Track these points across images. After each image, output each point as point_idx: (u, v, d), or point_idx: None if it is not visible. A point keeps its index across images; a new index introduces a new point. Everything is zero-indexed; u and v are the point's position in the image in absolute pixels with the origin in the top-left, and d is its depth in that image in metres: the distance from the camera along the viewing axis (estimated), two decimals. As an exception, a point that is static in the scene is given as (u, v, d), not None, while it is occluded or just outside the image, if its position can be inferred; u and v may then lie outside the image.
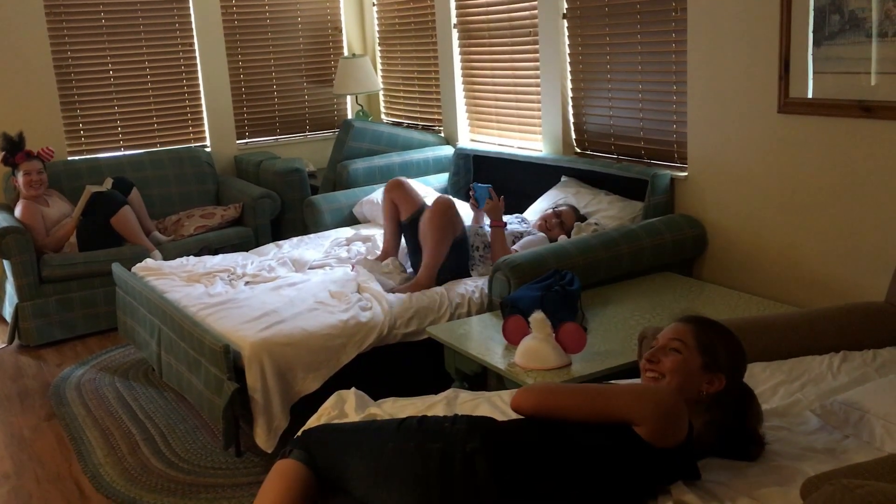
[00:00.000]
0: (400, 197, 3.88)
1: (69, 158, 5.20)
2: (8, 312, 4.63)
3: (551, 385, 1.97)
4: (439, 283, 3.62)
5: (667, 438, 1.80)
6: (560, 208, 3.95)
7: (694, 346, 1.99)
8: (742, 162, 3.49)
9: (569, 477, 1.81)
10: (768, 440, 2.04)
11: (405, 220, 3.85)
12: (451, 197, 3.79)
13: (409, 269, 3.83)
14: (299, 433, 2.12)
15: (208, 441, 3.32)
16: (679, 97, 3.78)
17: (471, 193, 3.97)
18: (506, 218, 3.87)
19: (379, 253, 4.02)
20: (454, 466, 1.82)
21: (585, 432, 1.85)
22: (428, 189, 4.84)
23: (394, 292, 3.48)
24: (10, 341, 4.54)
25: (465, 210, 4.40)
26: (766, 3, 3.23)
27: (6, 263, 4.47)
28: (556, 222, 3.86)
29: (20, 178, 4.58)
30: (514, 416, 2.25)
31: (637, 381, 2.07)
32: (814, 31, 3.09)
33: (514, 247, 3.71)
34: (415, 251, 3.77)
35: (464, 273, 3.70)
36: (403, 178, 4.03)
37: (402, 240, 3.94)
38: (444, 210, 3.58)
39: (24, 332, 4.45)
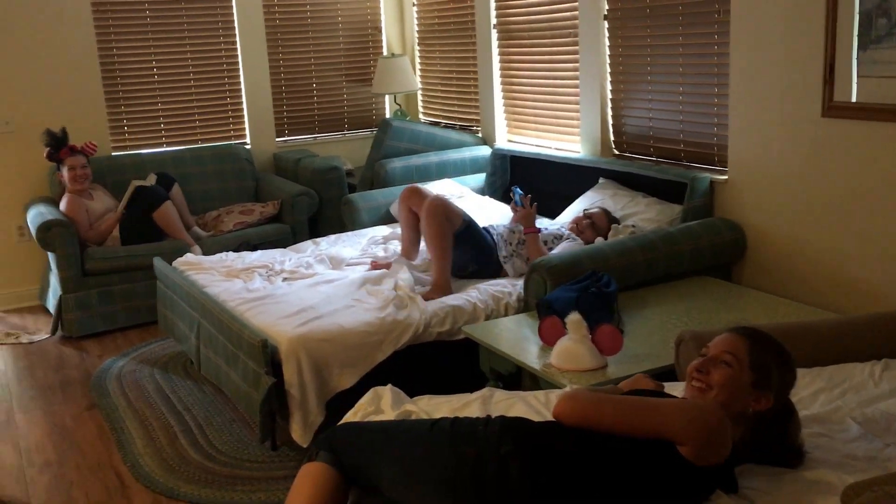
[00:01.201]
0: (417, 203, 3.89)
1: (113, 154, 5.29)
2: (51, 304, 4.73)
3: (596, 396, 1.90)
4: (467, 276, 3.64)
5: (709, 458, 1.77)
6: (591, 210, 3.94)
7: (746, 362, 1.91)
8: (784, 166, 3.45)
9: (602, 485, 1.79)
10: (808, 448, 2.02)
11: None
12: (439, 195, 3.79)
13: None
14: (323, 434, 2.11)
15: (245, 434, 3.36)
16: (720, 100, 3.75)
17: (511, 195, 3.99)
18: (538, 223, 3.88)
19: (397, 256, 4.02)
20: (487, 469, 1.81)
21: (623, 443, 1.81)
22: (465, 189, 4.86)
23: (424, 299, 3.49)
24: (54, 332, 4.64)
25: (494, 211, 4.40)
26: (811, 6, 3.19)
27: (51, 256, 4.56)
28: (588, 224, 3.86)
29: (65, 172, 4.67)
30: (548, 415, 2.25)
31: (679, 396, 2.01)
32: (859, 35, 3.05)
33: (552, 252, 3.71)
34: None
35: (487, 260, 3.70)
36: (418, 185, 4.04)
37: (419, 244, 3.97)
38: (435, 212, 3.63)
39: (67, 324, 4.54)
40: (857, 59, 3.07)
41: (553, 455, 1.83)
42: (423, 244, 3.99)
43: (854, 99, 3.11)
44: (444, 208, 3.66)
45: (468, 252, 3.70)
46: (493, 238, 3.81)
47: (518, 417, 2.02)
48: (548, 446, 1.85)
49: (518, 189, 3.95)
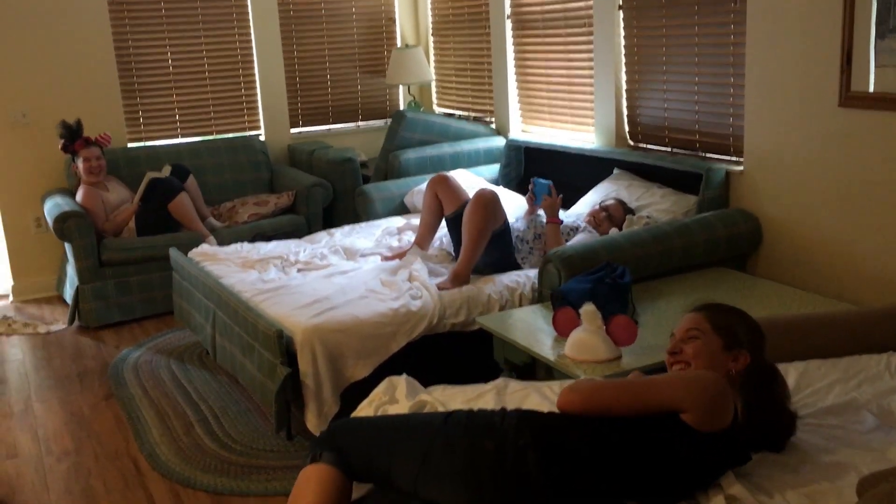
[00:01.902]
0: (445, 192, 3.87)
1: (129, 145, 5.32)
2: (69, 294, 4.77)
3: (595, 382, 1.96)
4: (481, 275, 3.64)
5: (714, 422, 1.82)
6: (607, 202, 3.93)
7: (710, 330, 2.05)
8: (800, 156, 3.43)
9: (619, 470, 1.82)
10: (822, 438, 2.01)
11: (450, 214, 3.85)
12: (493, 189, 3.78)
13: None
14: (322, 434, 2.08)
15: (260, 424, 3.39)
16: (736, 90, 3.73)
17: (530, 187, 3.96)
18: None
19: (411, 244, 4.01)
20: (506, 461, 1.83)
21: (632, 425, 1.85)
22: (479, 179, 4.85)
23: (439, 289, 3.48)
24: (71, 322, 4.68)
25: (509, 202, 4.40)
26: (829, -5, 3.16)
27: (67, 246, 4.60)
28: (604, 216, 3.85)
29: (80, 164, 4.70)
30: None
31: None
32: (877, 24, 3.02)
33: (568, 243, 3.70)
34: (458, 244, 3.78)
35: (506, 265, 3.69)
36: (449, 174, 4.03)
37: (436, 232, 3.96)
38: (487, 203, 3.58)
39: (84, 314, 4.58)
40: (875, 48, 3.04)
41: (568, 446, 1.85)
42: (439, 233, 3.99)
43: (871, 89, 3.09)
44: (494, 202, 3.61)
45: (495, 254, 3.66)
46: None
47: (532, 410, 2.04)
48: (562, 437, 1.87)
49: (539, 180, 3.92)
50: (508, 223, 3.73)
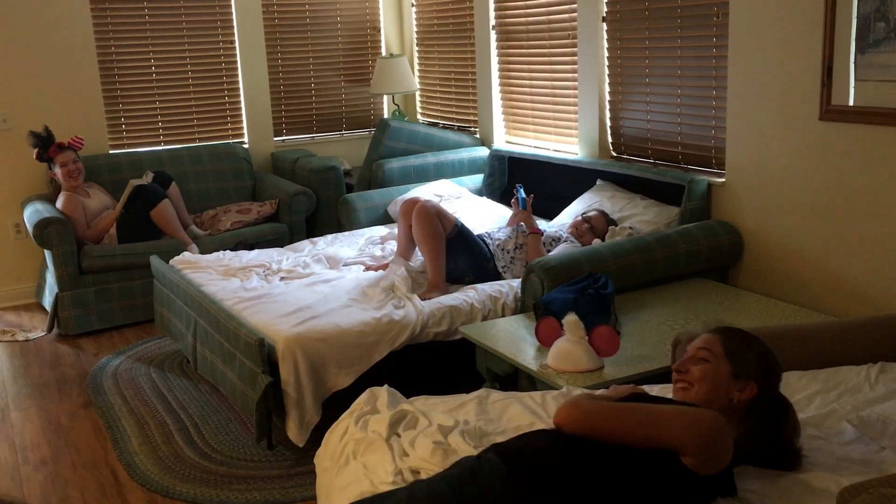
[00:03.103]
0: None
1: (111, 152, 5.29)
2: (48, 301, 4.72)
3: (599, 405, 1.86)
4: (466, 283, 3.66)
5: (712, 468, 1.77)
6: (589, 213, 3.95)
7: (721, 354, 1.97)
8: (781, 169, 3.46)
9: (605, 499, 1.75)
10: (804, 452, 2.02)
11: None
12: (427, 200, 3.80)
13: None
14: None
15: (241, 433, 3.36)
16: (718, 103, 3.76)
17: (514, 192, 4.01)
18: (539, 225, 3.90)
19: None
20: (488, 495, 1.74)
21: (624, 456, 1.78)
22: (463, 189, 4.86)
23: (421, 299, 3.49)
24: (50, 330, 4.63)
25: (491, 212, 4.40)
26: (810, 10, 3.20)
27: (47, 253, 4.56)
28: (587, 228, 3.87)
29: (58, 170, 4.66)
30: (544, 415, 2.25)
31: (677, 405, 1.95)
32: (857, 39, 3.05)
33: (550, 254, 3.72)
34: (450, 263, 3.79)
35: (483, 270, 3.71)
36: (417, 197, 4.03)
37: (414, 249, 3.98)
38: (421, 216, 3.65)
39: (63, 322, 4.53)
40: (855, 62, 3.08)
41: (552, 472, 1.77)
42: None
43: (851, 102, 3.12)
44: (434, 210, 3.69)
45: (462, 258, 3.70)
46: (488, 247, 3.81)
47: (515, 441, 1.91)
48: (547, 464, 1.79)
49: (522, 191, 3.97)
50: (460, 226, 3.77)
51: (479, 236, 3.87)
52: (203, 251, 4.56)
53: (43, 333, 4.64)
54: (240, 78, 5.64)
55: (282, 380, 3.05)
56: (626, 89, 4.29)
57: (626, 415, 1.84)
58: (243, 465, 3.13)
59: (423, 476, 1.99)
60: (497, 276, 3.74)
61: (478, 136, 5.47)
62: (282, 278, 3.82)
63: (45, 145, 4.66)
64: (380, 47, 6.12)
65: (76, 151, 4.74)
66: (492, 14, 5.17)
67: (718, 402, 1.93)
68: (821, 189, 3.31)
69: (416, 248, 3.98)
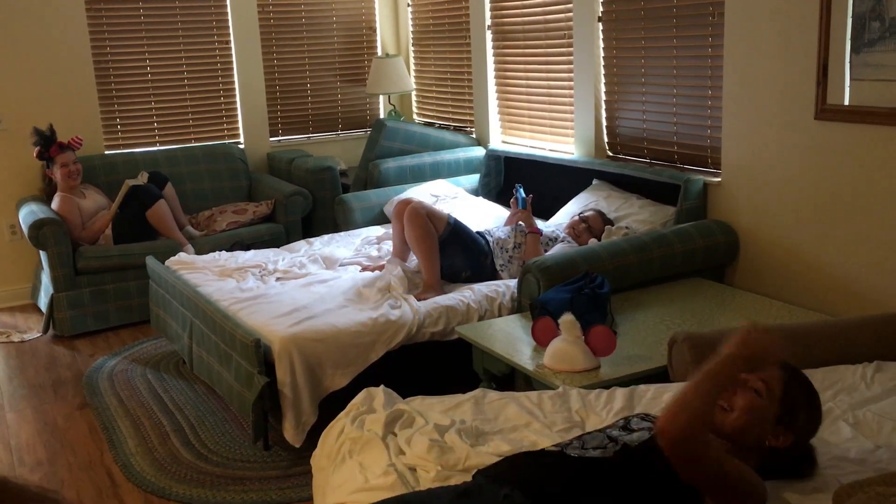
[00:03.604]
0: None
1: (106, 152, 5.27)
2: (43, 302, 4.71)
3: (708, 439, 1.68)
4: (463, 281, 3.66)
5: None
6: (586, 213, 3.95)
7: (778, 396, 1.83)
8: (777, 168, 3.46)
9: None
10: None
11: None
12: (418, 202, 3.80)
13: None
14: None
15: (237, 434, 3.36)
16: (714, 102, 3.76)
17: (514, 192, 4.00)
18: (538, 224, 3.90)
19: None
20: None
21: (634, 488, 1.70)
22: (459, 190, 4.86)
23: (417, 299, 3.49)
24: (45, 331, 4.62)
25: (487, 212, 4.40)
26: (805, 9, 3.20)
27: (43, 254, 4.55)
28: (584, 228, 3.87)
29: (57, 171, 4.65)
30: (539, 416, 2.25)
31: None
32: (852, 38, 3.06)
33: (547, 253, 3.72)
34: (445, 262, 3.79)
35: (480, 268, 3.71)
36: (410, 198, 4.03)
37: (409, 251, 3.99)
38: (416, 214, 3.65)
39: (59, 323, 4.52)
40: (850, 62, 3.08)
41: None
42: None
43: (847, 102, 3.13)
44: (424, 210, 3.69)
45: (458, 255, 3.70)
46: (487, 243, 3.81)
47: (532, 472, 1.81)
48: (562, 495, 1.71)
49: (521, 191, 3.97)
50: (455, 221, 3.77)
51: (479, 233, 3.87)
52: (199, 252, 4.56)
53: (38, 334, 4.62)
54: (235, 78, 5.64)
55: (278, 380, 3.04)
56: (622, 89, 4.29)
57: (725, 461, 1.69)
58: (239, 465, 3.12)
59: (420, 473, 1.99)
60: (494, 274, 3.74)
61: (474, 135, 5.47)
62: (278, 279, 3.82)
63: (48, 144, 4.65)
64: (376, 47, 6.11)
65: (75, 152, 4.73)
66: (488, 14, 5.16)
67: (750, 438, 1.83)
68: (816, 188, 3.31)
69: (408, 251, 3.99)
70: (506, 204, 4.66)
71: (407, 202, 3.89)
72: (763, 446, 1.83)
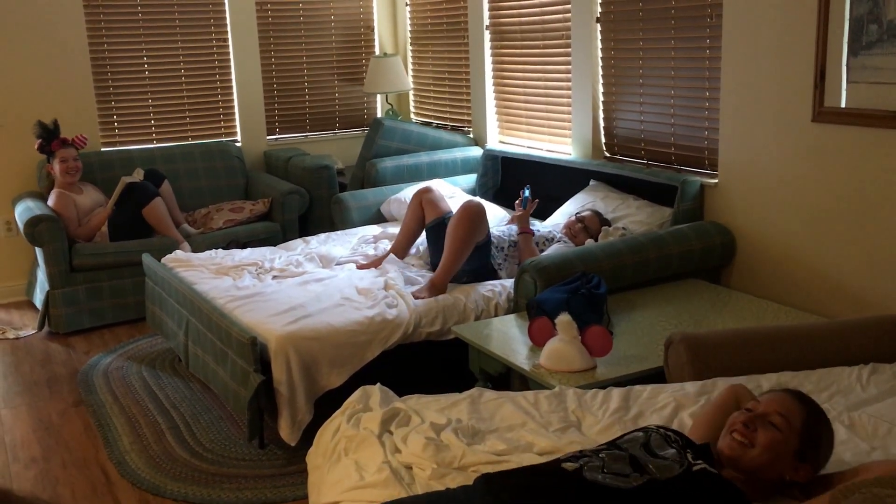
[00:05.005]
0: (429, 201, 3.89)
1: (103, 150, 5.26)
2: (39, 299, 4.70)
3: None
4: (464, 283, 3.64)
5: None
6: (583, 214, 3.95)
7: (798, 430, 1.80)
8: (774, 170, 3.47)
9: None
10: None
11: (431, 223, 3.86)
12: (481, 202, 3.80)
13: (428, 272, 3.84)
14: None
15: (232, 432, 3.35)
16: (711, 104, 3.76)
17: (520, 193, 3.99)
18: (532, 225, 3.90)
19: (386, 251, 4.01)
20: None
21: None
22: (456, 189, 4.86)
23: (415, 297, 3.48)
24: (40, 328, 4.61)
25: (487, 212, 4.41)
26: (803, 12, 3.21)
27: (38, 251, 4.54)
28: (580, 228, 3.87)
29: (56, 165, 4.64)
30: (535, 415, 2.25)
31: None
32: (849, 41, 3.06)
33: (544, 254, 3.72)
34: (437, 253, 3.79)
35: (484, 275, 3.70)
36: (434, 187, 4.05)
37: (414, 241, 3.98)
38: (473, 215, 3.59)
39: (54, 320, 4.51)
40: (848, 64, 3.09)
41: None
42: (417, 241, 3.99)
43: (844, 104, 3.13)
44: (481, 215, 3.61)
45: (475, 264, 3.67)
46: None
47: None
48: None
49: (527, 192, 3.96)
50: (491, 235, 3.74)
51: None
52: (195, 249, 4.55)
53: (34, 331, 4.61)
54: (233, 76, 5.63)
55: (274, 379, 3.04)
56: (620, 90, 4.29)
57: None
58: (235, 464, 3.12)
59: (416, 472, 1.99)
60: (493, 273, 3.73)
61: (471, 135, 5.47)
62: (274, 277, 3.81)
63: (50, 138, 4.64)
64: (373, 46, 6.11)
65: (77, 150, 4.73)
66: (486, 14, 5.16)
67: (771, 474, 1.80)
68: (813, 190, 3.32)
69: (412, 243, 3.98)
70: (504, 204, 4.68)
71: (430, 188, 3.89)
72: (783, 480, 1.81)
